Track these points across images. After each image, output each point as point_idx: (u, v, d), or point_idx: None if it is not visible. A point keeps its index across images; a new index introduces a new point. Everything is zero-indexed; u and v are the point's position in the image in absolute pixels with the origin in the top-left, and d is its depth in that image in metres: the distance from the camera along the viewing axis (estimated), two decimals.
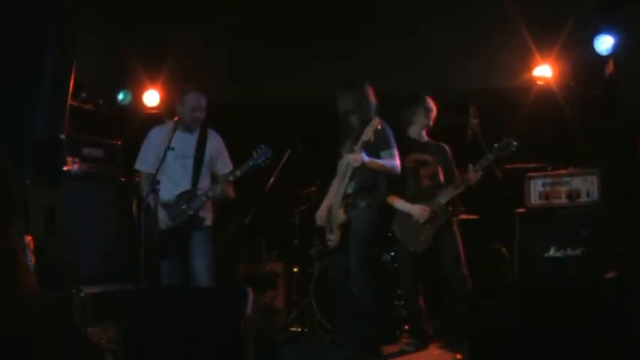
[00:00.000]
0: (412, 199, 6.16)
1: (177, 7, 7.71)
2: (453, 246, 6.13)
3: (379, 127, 5.66)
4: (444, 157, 6.30)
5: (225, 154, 6.17)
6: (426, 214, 6.05)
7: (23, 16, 6.35)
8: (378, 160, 5.79)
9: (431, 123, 6.31)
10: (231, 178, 5.86)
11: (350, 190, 5.88)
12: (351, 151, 5.74)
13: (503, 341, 3.97)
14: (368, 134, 5.62)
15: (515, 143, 5.91)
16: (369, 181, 5.88)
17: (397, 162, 5.87)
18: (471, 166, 5.97)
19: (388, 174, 5.91)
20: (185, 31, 7.88)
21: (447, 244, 6.12)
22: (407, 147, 6.20)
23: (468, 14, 7.64)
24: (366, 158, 5.65)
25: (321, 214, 6.16)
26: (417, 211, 6.09)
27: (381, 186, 5.97)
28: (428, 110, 6.27)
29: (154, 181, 5.73)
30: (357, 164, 5.68)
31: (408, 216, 6.12)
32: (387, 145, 5.86)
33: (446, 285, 6.29)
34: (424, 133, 6.35)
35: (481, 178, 5.98)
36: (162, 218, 5.90)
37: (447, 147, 6.35)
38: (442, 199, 6.06)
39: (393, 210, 6.21)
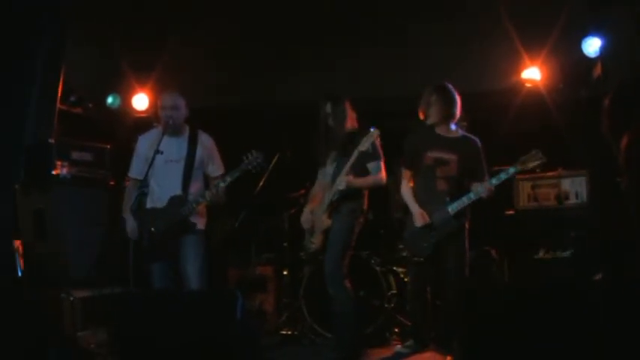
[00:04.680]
0: (423, 201, 6.04)
1: (167, 11, 7.71)
2: (459, 255, 5.97)
3: (376, 139, 5.79)
4: (470, 154, 6.00)
5: (217, 156, 6.16)
6: (422, 222, 5.97)
7: (13, 19, 6.33)
8: (362, 180, 5.92)
9: (456, 114, 6.04)
10: (222, 184, 5.85)
11: (335, 198, 5.94)
12: (336, 162, 5.96)
13: (493, 344, 3.98)
14: (366, 145, 5.75)
15: (544, 158, 5.77)
16: (353, 188, 5.95)
17: (382, 174, 5.96)
18: (486, 179, 5.88)
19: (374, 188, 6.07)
20: (175, 35, 7.88)
21: (452, 251, 5.97)
22: (429, 144, 6.03)
23: (457, 17, 7.66)
24: (351, 181, 5.82)
25: (306, 218, 6.22)
26: (416, 214, 6.02)
27: (363, 193, 6.06)
28: (448, 102, 6.02)
29: (142, 185, 5.73)
30: (342, 187, 5.82)
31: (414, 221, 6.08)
32: (374, 157, 5.94)
33: (440, 287, 6.23)
34: (452, 125, 6.07)
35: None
36: (152, 223, 5.88)
37: (477, 141, 6.07)
38: (451, 209, 5.89)
39: (405, 213, 6.19)
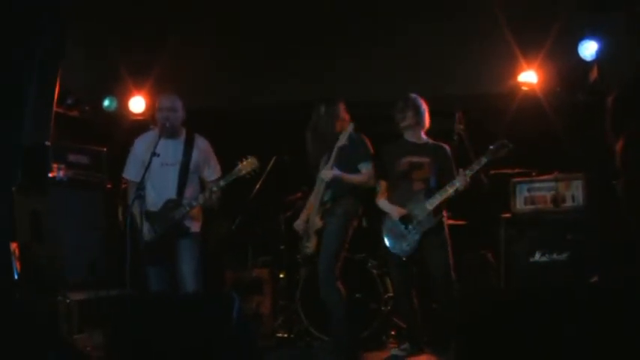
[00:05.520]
0: (402, 202, 6.09)
1: (164, 14, 7.71)
2: (441, 255, 6.02)
3: (352, 131, 5.86)
4: (441, 158, 6.14)
5: (213, 159, 6.15)
6: (398, 215, 6.02)
7: (9, 23, 6.33)
8: (349, 175, 5.94)
9: (426, 123, 6.22)
10: (215, 188, 5.84)
11: (326, 198, 5.98)
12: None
13: (490, 347, 3.98)
14: (342, 140, 5.83)
15: (510, 145, 5.84)
16: (345, 189, 5.99)
17: (371, 174, 6.01)
18: (461, 170, 5.96)
19: (361, 187, 6.06)
20: (171, 38, 7.88)
21: (434, 252, 6.02)
22: (403, 150, 6.17)
23: (453, 21, 7.67)
24: (337, 172, 5.86)
25: (299, 223, 6.23)
26: (391, 210, 6.09)
27: (356, 194, 6.06)
28: (419, 110, 6.18)
29: (139, 188, 5.72)
30: (327, 179, 5.89)
31: (394, 220, 6.11)
32: (365, 157, 6.00)
33: (433, 291, 6.25)
34: (422, 134, 6.25)
35: (470, 184, 5.94)
36: (147, 226, 5.88)
37: (446, 147, 6.20)
38: (429, 204, 5.98)
39: (382, 214, 6.21)
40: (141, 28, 7.86)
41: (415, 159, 6.12)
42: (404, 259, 6.08)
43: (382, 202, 6.19)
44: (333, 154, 5.87)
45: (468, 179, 5.89)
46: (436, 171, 6.10)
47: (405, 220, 6.04)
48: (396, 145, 6.27)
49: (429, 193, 6.02)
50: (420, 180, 6.09)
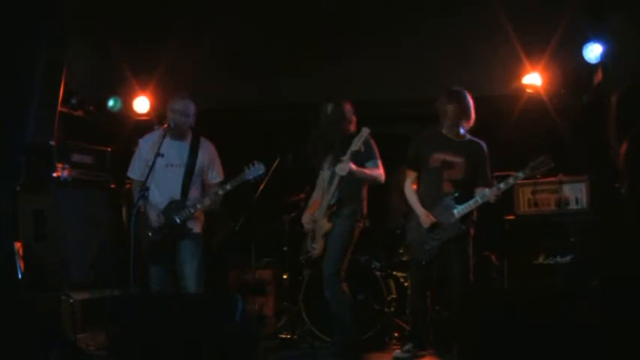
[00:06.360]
0: (429, 203, 6.01)
1: (168, 14, 7.71)
2: (461, 263, 5.94)
3: (368, 137, 5.79)
4: (475, 157, 6.00)
5: (217, 163, 6.15)
6: (429, 222, 5.94)
7: (14, 22, 6.34)
8: (362, 169, 5.89)
9: (470, 119, 6.04)
10: (220, 192, 5.86)
11: (334, 201, 5.96)
12: (337, 163, 5.86)
13: (492, 348, 3.98)
14: (358, 144, 5.76)
15: (552, 164, 5.70)
16: (352, 191, 5.99)
17: (382, 171, 5.98)
18: (495, 183, 5.87)
19: (373, 183, 6.04)
20: (176, 38, 7.88)
21: (455, 259, 5.94)
22: (437, 145, 6.03)
23: (457, 23, 7.66)
24: (353, 167, 5.77)
25: (306, 219, 6.23)
26: (422, 215, 5.98)
27: (362, 197, 6.08)
28: (462, 105, 6.00)
29: (143, 188, 5.72)
30: (344, 173, 5.78)
31: (419, 224, 6.03)
32: (371, 156, 5.97)
33: (448, 295, 6.17)
34: (462, 130, 6.06)
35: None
36: (150, 226, 5.88)
37: (482, 144, 6.08)
38: (457, 212, 5.87)
39: (406, 217, 6.18)
40: (142, 28, 7.86)
41: (449, 157, 5.99)
42: (424, 262, 6.06)
43: (413, 199, 6.09)
44: (348, 155, 5.79)
45: (501, 194, 5.82)
46: (468, 173, 5.98)
47: (431, 225, 5.97)
48: (431, 138, 6.14)
49: (458, 199, 5.90)
50: (450, 180, 5.97)
